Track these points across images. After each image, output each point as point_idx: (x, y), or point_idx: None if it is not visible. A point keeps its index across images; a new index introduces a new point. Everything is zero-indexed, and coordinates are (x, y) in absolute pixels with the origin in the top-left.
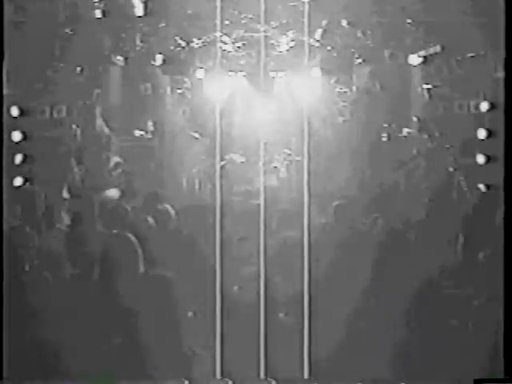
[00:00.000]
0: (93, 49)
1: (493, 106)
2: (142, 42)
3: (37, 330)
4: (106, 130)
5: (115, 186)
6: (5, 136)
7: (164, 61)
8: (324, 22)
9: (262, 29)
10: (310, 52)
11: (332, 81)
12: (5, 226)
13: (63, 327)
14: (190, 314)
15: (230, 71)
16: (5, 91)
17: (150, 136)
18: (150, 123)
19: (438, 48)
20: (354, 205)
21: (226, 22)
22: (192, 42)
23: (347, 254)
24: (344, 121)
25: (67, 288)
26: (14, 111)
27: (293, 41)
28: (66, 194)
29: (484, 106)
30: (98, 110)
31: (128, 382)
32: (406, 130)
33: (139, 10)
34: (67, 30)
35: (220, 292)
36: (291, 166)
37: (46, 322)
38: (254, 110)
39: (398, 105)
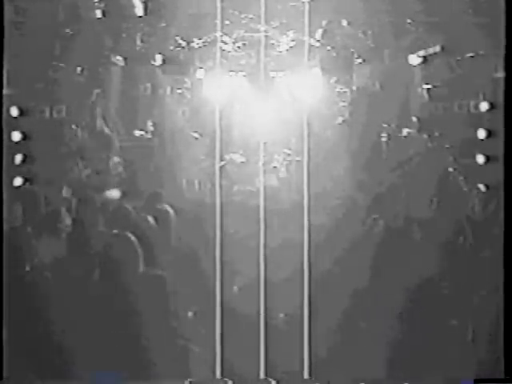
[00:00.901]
0: (93, 49)
1: (492, 106)
2: (142, 41)
3: (37, 330)
4: (106, 129)
5: (115, 187)
6: (5, 136)
7: (164, 61)
8: (324, 22)
9: (263, 29)
10: (309, 52)
11: (332, 81)
12: (5, 226)
13: (64, 327)
14: (189, 314)
15: (230, 71)
16: (5, 91)
17: (149, 136)
18: (149, 123)
19: (437, 48)
20: (354, 205)
21: (226, 22)
22: (192, 41)
23: (347, 254)
24: (344, 121)
25: (68, 288)
26: (14, 111)
27: (293, 41)
28: (66, 194)
29: (484, 106)
30: (98, 110)
31: (128, 381)
32: (405, 130)
33: (139, 10)
34: (67, 30)
35: (220, 292)
36: (291, 166)
37: (46, 322)
38: (253, 110)
39: (398, 105)
